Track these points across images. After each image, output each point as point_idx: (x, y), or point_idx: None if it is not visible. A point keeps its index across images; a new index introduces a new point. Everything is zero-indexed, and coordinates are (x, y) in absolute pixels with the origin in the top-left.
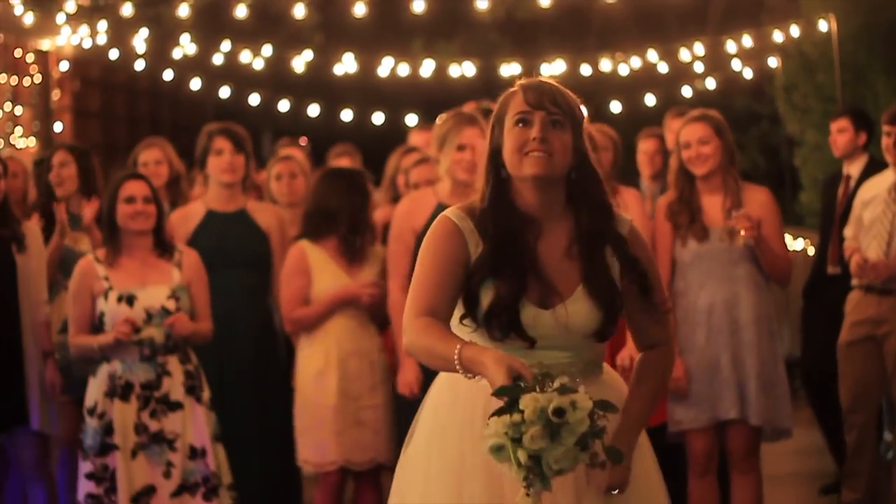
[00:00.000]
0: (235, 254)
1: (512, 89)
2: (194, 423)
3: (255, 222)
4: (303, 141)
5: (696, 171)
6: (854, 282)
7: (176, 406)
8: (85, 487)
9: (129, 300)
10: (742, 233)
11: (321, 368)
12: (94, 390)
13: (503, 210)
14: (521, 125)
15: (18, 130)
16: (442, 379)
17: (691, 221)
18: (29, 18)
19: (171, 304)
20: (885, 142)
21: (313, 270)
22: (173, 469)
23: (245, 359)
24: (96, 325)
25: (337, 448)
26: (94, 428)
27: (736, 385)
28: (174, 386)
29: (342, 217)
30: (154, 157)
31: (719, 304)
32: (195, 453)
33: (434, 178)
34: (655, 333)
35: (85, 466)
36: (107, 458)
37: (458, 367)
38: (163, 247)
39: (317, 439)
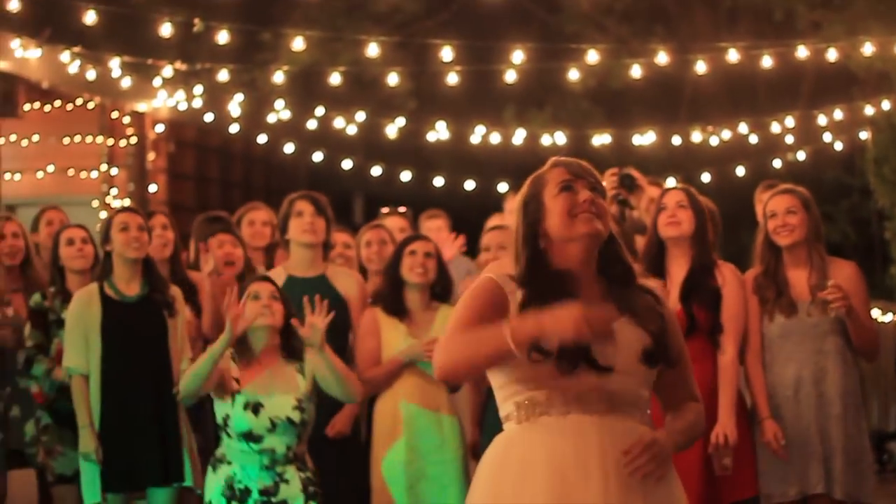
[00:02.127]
0: None
1: (543, 169)
2: None
3: (335, 287)
4: (402, 209)
5: (781, 242)
6: None
7: None
8: None
9: (255, 409)
10: (833, 304)
11: (391, 426)
12: (213, 487)
13: (542, 271)
14: (566, 192)
15: (114, 191)
16: (497, 439)
17: (778, 295)
18: (126, 82)
19: (295, 416)
20: None
21: (383, 332)
22: None
23: (325, 422)
24: (221, 426)
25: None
26: None
27: (822, 459)
28: (291, 493)
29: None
30: (261, 218)
31: (807, 379)
32: None
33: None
34: (682, 393)
35: None
36: None
37: (510, 341)
38: (290, 351)
39: (388, 497)
